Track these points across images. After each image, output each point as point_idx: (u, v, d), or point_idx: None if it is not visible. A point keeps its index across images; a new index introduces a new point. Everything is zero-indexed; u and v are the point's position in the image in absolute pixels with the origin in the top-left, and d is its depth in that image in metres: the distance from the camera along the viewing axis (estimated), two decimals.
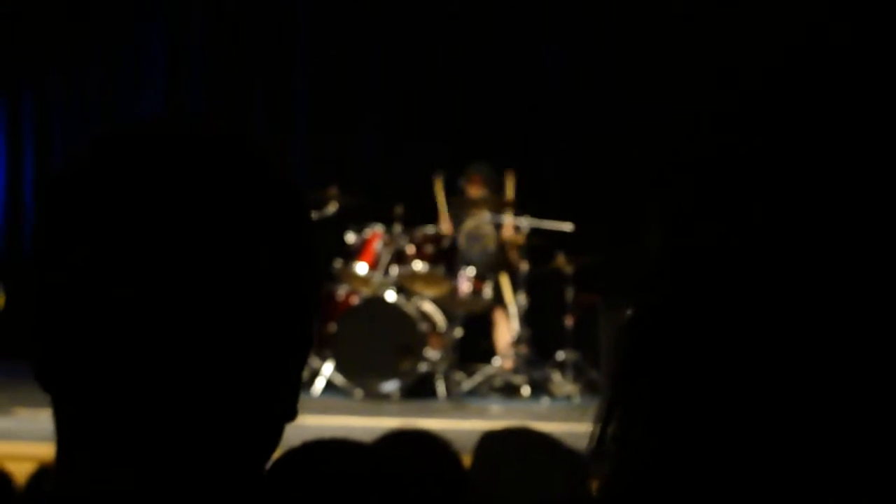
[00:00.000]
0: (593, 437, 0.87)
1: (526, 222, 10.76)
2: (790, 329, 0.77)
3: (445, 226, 10.94)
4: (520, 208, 10.81)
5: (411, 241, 10.47)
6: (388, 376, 10.11)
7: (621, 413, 0.85)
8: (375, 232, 10.56)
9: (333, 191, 10.78)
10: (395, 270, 10.45)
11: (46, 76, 13.37)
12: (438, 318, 10.44)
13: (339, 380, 10.21)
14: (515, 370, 10.57)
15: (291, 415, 1.21)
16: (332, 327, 10.25)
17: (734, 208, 0.81)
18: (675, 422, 0.81)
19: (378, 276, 10.43)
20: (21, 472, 4.06)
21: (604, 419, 0.86)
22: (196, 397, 1.13)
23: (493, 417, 9.33)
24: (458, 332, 10.63)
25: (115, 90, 13.36)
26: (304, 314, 1.20)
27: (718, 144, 0.83)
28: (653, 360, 0.83)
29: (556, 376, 10.52)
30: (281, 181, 1.19)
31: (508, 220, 10.80)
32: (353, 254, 10.53)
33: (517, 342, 10.61)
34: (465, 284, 10.51)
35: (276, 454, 1.24)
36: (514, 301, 10.71)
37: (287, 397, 1.20)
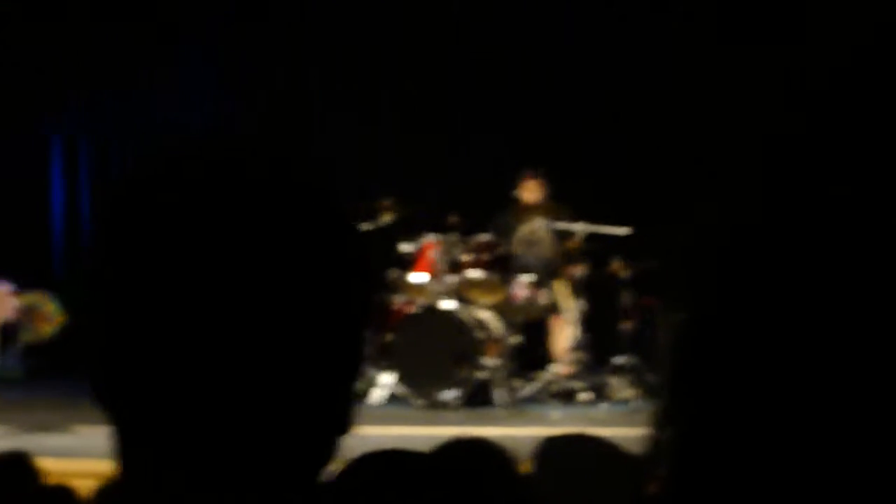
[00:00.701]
0: (649, 441, 0.87)
1: (582, 227, 10.72)
2: (851, 338, 0.76)
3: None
4: (576, 213, 10.77)
5: (466, 249, 10.46)
6: (446, 385, 10.09)
7: (677, 416, 0.85)
8: (431, 241, 10.55)
9: (388, 201, 10.79)
10: (450, 279, 10.44)
11: (99, 92, 13.48)
12: (495, 325, 10.43)
13: (399, 389, 10.21)
14: (573, 376, 10.54)
15: (345, 428, 1.21)
16: (390, 337, 10.25)
17: (794, 215, 0.80)
18: (729, 425, 0.80)
19: (434, 285, 10.43)
20: (84, 488, 4.08)
21: (659, 423, 0.86)
22: (250, 411, 1.14)
23: (552, 424, 9.30)
24: (516, 339, 10.61)
25: (168, 103, 13.44)
26: (354, 328, 1.20)
27: (780, 154, 0.83)
28: (708, 365, 0.83)
29: (615, 381, 10.48)
30: (329, 198, 1.19)
31: (563, 225, 10.76)
32: (408, 263, 10.54)
33: (575, 348, 10.58)
34: (521, 291, 10.49)
35: (337, 466, 1.24)
36: (571, 307, 10.68)
37: (340, 411, 1.20)
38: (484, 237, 10.57)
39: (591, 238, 10.76)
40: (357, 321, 1.20)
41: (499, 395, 10.15)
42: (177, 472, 1.15)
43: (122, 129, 13.49)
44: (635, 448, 3.28)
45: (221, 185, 1.14)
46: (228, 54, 13.45)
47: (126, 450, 1.18)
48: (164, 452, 1.15)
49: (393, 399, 10.21)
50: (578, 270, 10.71)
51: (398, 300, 10.58)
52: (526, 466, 3.20)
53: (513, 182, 11.02)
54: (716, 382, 0.82)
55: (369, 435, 7.60)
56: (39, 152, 13.54)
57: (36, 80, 13.22)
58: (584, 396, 10.38)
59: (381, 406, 10.10)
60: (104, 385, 1.16)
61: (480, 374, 10.14)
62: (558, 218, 10.76)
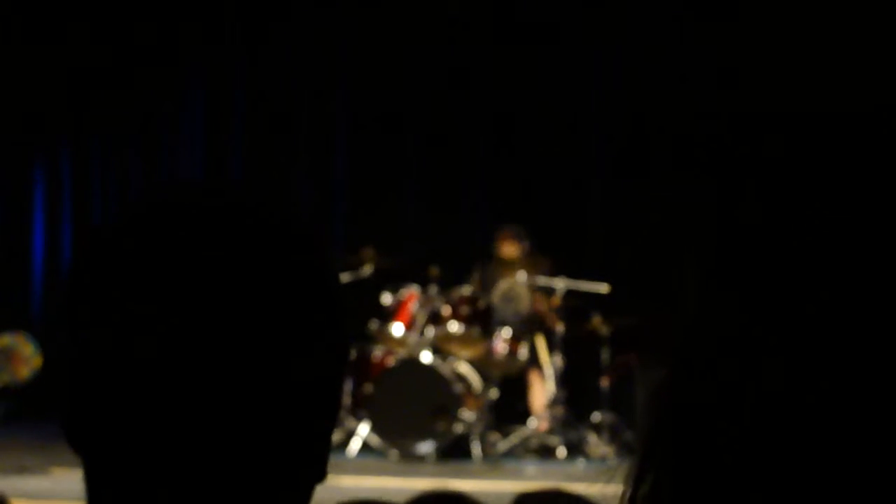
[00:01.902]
0: (624, 499, 0.87)
1: (561, 283, 10.75)
2: (830, 406, 0.76)
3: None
4: (555, 269, 10.79)
5: (447, 301, 10.46)
6: (423, 437, 10.08)
7: (653, 474, 0.85)
8: (411, 293, 10.56)
9: (369, 252, 10.81)
10: (430, 331, 10.44)
11: (85, 137, 13.48)
12: (474, 379, 10.42)
13: (375, 441, 10.19)
14: (551, 431, 10.54)
15: (321, 476, 1.21)
16: (368, 388, 10.23)
17: (772, 272, 0.81)
18: (706, 486, 0.80)
19: (414, 337, 10.43)
20: None
21: (635, 480, 0.86)
22: (225, 459, 1.13)
23: (529, 479, 9.29)
24: (494, 394, 10.61)
25: (153, 151, 13.48)
26: (333, 376, 1.20)
27: (754, 208, 0.83)
28: (685, 424, 0.83)
29: (592, 438, 10.47)
30: (310, 244, 1.19)
31: (543, 281, 10.78)
32: (388, 315, 10.53)
33: (553, 403, 10.58)
34: (500, 345, 10.49)
35: None
36: (549, 362, 10.69)
37: (317, 458, 1.20)
38: (464, 290, 10.58)
39: (571, 294, 10.78)
40: (336, 368, 1.20)
41: (476, 449, 10.14)
42: None
43: (106, 172, 13.49)
44: None
45: (203, 231, 1.14)
46: (217, 106, 13.47)
47: (97, 494, 1.18)
48: (136, 497, 1.15)
49: (369, 450, 10.19)
50: (558, 326, 10.71)
51: (378, 351, 10.57)
52: None
53: (492, 236, 11.04)
54: (693, 443, 0.82)
55: (344, 486, 7.58)
56: (22, 193, 13.52)
57: (21, 120, 13.22)
58: (561, 452, 10.37)
59: (356, 457, 10.07)
60: (76, 428, 1.16)
61: (458, 428, 10.12)
62: (538, 273, 10.78)
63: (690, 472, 0.81)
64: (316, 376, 1.18)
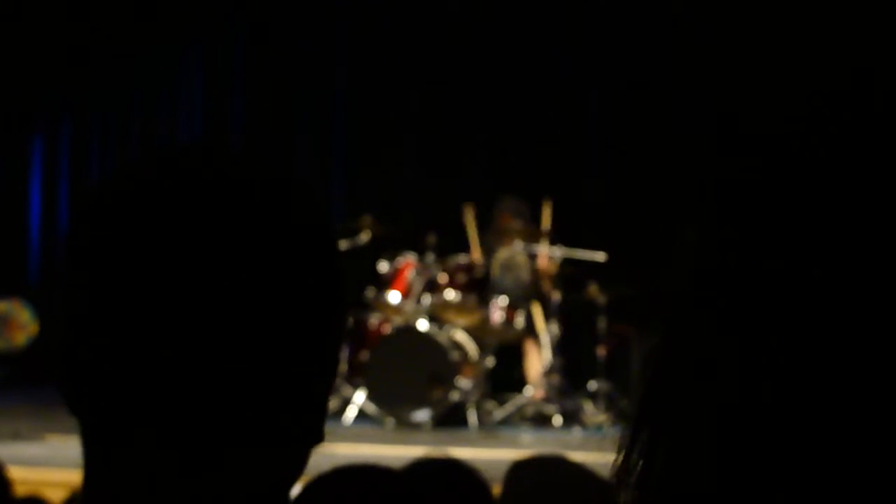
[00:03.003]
0: (616, 466, 0.87)
1: (559, 252, 10.75)
2: (826, 366, 0.76)
3: (476, 254, 10.95)
4: (553, 238, 10.80)
5: (443, 269, 10.46)
6: (419, 405, 10.09)
7: (645, 441, 0.85)
8: (408, 261, 10.56)
9: (367, 219, 10.80)
10: (427, 299, 10.44)
11: (84, 102, 13.46)
12: (470, 347, 10.42)
13: (371, 408, 10.20)
14: (547, 400, 10.55)
15: (318, 438, 1.21)
16: (365, 356, 10.24)
17: (765, 238, 0.81)
18: (698, 451, 0.81)
19: (410, 305, 10.43)
20: (56, 498, 4.07)
21: (628, 447, 0.86)
22: (222, 421, 1.14)
23: (525, 447, 9.29)
24: (490, 362, 10.62)
25: (152, 115, 13.46)
26: (330, 340, 1.20)
27: (752, 174, 0.83)
28: (678, 390, 0.83)
29: (588, 406, 10.49)
30: (310, 207, 1.19)
31: (542, 249, 10.79)
32: (385, 282, 10.53)
33: (549, 372, 10.59)
34: (497, 314, 10.49)
35: (307, 479, 1.24)
36: (546, 331, 10.69)
37: (314, 421, 1.20)
38: (461, 258, 10.58)
39: (568, 263, 10.78)
40: (333, 332, 1.20)
41: (472, 417, 10.15)
42: (146, 482, 1.15)
43: (104, 137, 13.47)
44: (607, 473, 3.27)
45: (200, 193, 1.14)
46: (216, 71, 13.45)
47: (95, 459, 1.18)
48: (134, 462, 1.15)
49: (365, 418, 10.20)
50: (554, 295, 10.72)
51: (374, 319, 10.58)
52: (498, 489, 3.20)
53: (491, 204, 11.04)
54: (687, 408, 0.82)
55: (340, 453, 7.59)
56: (19, 159, 13.50)
57: (20, 85, 13.18)
58: (557, 421, 10.38)
59: (352, 425, 10.09)
60: (74, 391, 1.16)
61: (454, 396, 10.13)
62: (536, 242, 10.78)
63: (684, 432, 0.81)
64: (314, 338, 1.18)
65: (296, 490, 1.23)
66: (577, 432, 10.15)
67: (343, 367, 10.11)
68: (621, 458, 0.86)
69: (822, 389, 0.75)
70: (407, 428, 9.98)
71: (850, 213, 0.77)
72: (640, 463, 0.85)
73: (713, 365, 0.80)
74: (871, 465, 0.74)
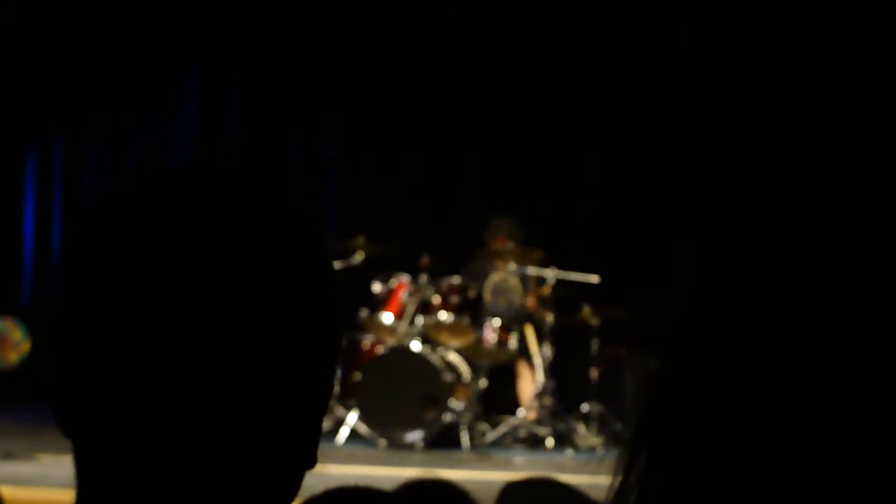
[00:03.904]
0: (613, 489, 0.87)
1: (552, 274, 10.75)
2: (818, 395, 0.76)
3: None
4: (546, 260, 10.80)
5: (437, 291, 10.47)
6: (412, 426, 10.08)
7: (642, 465, 0.85)
8: (401, 282, 10.56)
9: (360, 240, 10.80)
10: (420, 320, 10.45)
11: (78, 120, 13.45)
12: (463, 368, 10.42)
13: (364, 429, 10.19)
14: (539, 422, 10.54)
15: (311, 462, 1.21)
16: (357, 376, 10.23)
17: (758, 267, 0.81)
18: (697, 476, 0.81)
19: (403, 326, 10.43)
20: None
21: (625, 470, 0.86)
22: (215, 443, 1.13)
23: (517, 469, 9.29)
24: (483, 383, 10.61)
25: (146, 136, 13.46)
26: (324, 362, 1.20)
27: (746, 201, 0.83)
28: (676, 415, 0.83)
29: (581, 428, 10.48)
30: (304, 230, 1.19)
31: (534, 272, 10.79)
32: (379, 303, 10.53)
33: (542, 394, 10.59)
34: (490, 335, 10.50)
35: (298, 501, 1.24)
36: (538, 352, 10.69)
37: (307, 444, 1.20)
38: (455, 280, 10.58)
39: (561, 285, 10.79)
40: (327, 354, 1.20)
41: (464, 438, 10.14)
42: (135, 502, 1.14)
43: (98, 156, 13.46)
44: (600, 496, 3.27)
45: (195, 214, 1.14)
46: (211, 90, 13.45)
47: (87, 479, 1.17)
48: (127, 484, 1.14)
49: (357, 439, 10.19)
50: (547, 317, 10.72)
51: (367, 340, 10.58)
52: None
53: (484, 226, 11.04)
54: (684, 433, 0.82)
55: (332, 474, 7.58)
56: (12, 177, 13.48)
57: (13, 102, 13.18)
58: (549, 443, 10.38)
59: (344, 445, 10.08)
60: (67, 411, 1.16)
61: (447, 417, 10.13)
62: (529, 263, 10.78)
63: (681, 456, 0.81)
64: (308, 362, 1.18)
65: None
66: (569, 454, 10.14)
67: (336, 387, 10.09)
68: (618, 481, 0.86)
69: (819, 420, 0.75)
70: (399, 449, 9.97)
71: (842, 245, 0.77)
72: (637, 486, 0.85)
73: (712, 390, 0.80)
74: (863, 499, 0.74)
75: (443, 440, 10.15)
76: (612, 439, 10.31)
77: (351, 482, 2.08)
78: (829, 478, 0.76)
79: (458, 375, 10.31)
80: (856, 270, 0.76)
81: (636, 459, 0.85)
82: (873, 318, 0.76)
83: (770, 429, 0.77)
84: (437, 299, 10.43)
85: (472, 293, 10.52)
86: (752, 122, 0.86)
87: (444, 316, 10.37)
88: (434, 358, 10.19)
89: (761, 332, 0.79)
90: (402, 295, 10.51)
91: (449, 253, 11.01)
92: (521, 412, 10.64)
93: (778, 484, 0.77)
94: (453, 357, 10.43)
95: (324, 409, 1.22)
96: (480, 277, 10.73)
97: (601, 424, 10.44)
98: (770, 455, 0.77)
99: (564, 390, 10.77)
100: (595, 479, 7.08)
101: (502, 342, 10.54)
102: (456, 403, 10.16)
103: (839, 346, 0.76)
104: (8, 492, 4.53)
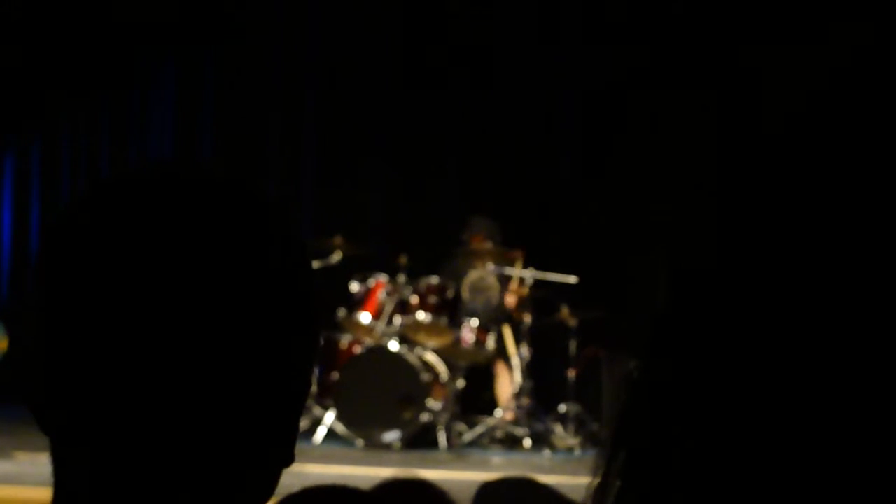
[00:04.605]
0: (590, 489, 0.87)
1: (530, 274, 10.76)
2: (806, 410, 0.77)
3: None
4: (524, 260, 10.80)
5: (415, 291, 10.47)
6: (389, 426, 10.09)
7: (620, 465, 0.85)
8: (379, 281, 10.56)
9: (338, 240, 10.79)
10: (398, 320, 10.45)
11: (54, 120, 13.42)
12: (441, 368, 10.42)
13: (341, 429, 10.19)
14: (517, 422, 10.55)
15: (288, 460, 1.21)
16: (335, 376, 10.23)
17: (750, 268, 0.81)
18: (674, 477, 0.81)
19: (381, 326, 10.43)
20: None
21: (603, 472, 0.86)
22: (192, 442, 1.13)
23: (494, 469, 9.29)
24: (461, 383, 10.62)
25: (123, 136, 13.43)
26: (302, 361, 1.20)
27: (735, 203, 0.83)
28: (654, 414, 0.83)
29: (558, 429, 10.49)
30: (283, 228, 1.19)
31: (512, 272, 10.80)
32: (356, 303, 10.53)
33: (519, 394, 10.59)
34: (467, 335, 10.50)
35: (275, 500, 1.24)
36: (516, 353, 10.70)
37: (284, 442, 1.20)
38: (433, 280, 10.59)
39: (539, 285, 10.80)
40: (305, 352, 1.20)
41: (442, 438, 10.15)
42: (115, 501, 1.14)
43: (75, 155, 13.44)
44: (577, 496, 3.27)
45: (172, 212, 1.14)
46: (187, 91, 13.43)
47: (65, 478, 1.17)
48: (104, 483, 1.14)
49: (334, 438, 10.19)
50: (525, 317, 10.72)
51: (345, 340, 10.57)
52: None
53: (463, 226, 11.04)
54: (665, 434, 0.82)
55: (309, 473, 7.58)
56: None
57: None
58: (527, 443, 10.38)
59: (321, 445, 10.07)
60: (45, 411, 1.16)
61: (424, 417, 10.13)
62: (507, 264, 10.79)
63: (659, 456, 0.81)
64: (285, 360, 1.18)
65: None
66: (546, 455, 10.15)
67: (313, 387, 10.08)
68: (597, 479, 0.86)
69: (800, 418, 0.76)
70: (376, 448, 9.97)
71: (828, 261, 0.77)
72: (617, 485, 0.85)
73: (691, 387, 0.80)
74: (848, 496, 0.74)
75: (420, 440, 10.16)
76: (589, 440, 10.32)
77: (328, 482, 2.09)
78: (811, 480, 0.76)
79: (436, 375, 10.32)
80: (836, 275, 0.77)
81: (616, 458, 0.85)
82: (853, 324, 0.76)
83: (748, 429, 0.77)
84: (414, 299, 10.43)
85: (450, 293, 10.52)
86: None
87: (421, 316, 10.37)
88: (412, 358, 10.19)
89: (739, 332, 0.79)
90: (380, 295, 10.51)
91: (427, 253, 11.02)
92: (499, 412, 10.65)
93: (755, 483, 0.77)
94: (431, 357, 10.43)
95: (301, 408, 1.22)
96: (458, 277, 10.73)
97: (578, 425, 10.45)
98: (748, 455, 0.77)
99: (542, 391, 10.77)
100: (572, 480, 7.09)
101: (480, 342, 10.54)
102: (433, 403, 10.16)
103: (819, 349, 0.76)
104: None
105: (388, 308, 10.47)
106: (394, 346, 10.29)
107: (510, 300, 10.85)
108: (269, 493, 1.21)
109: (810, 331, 0.76)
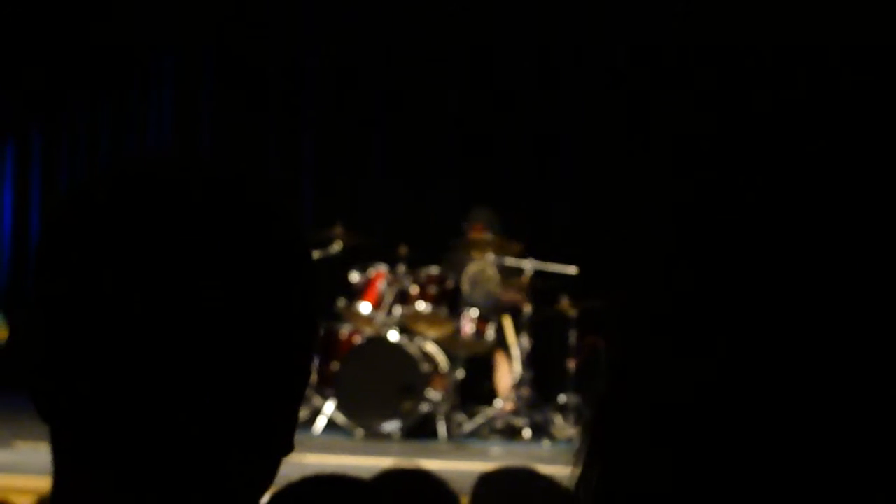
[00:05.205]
0: (574, 477, 0.87)
1: (530, 265, 10.75)
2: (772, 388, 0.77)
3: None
4: (524, 251, 10.79)
5: (415, 281, 10.46)
6: (389, 416, 10.09)
7: (605, 453, 0.85)
8: (379, 272, 10.55)
9: (338, 230, 10.78)
10: (398, 310, 10.44)
11: (55, 111, 13.41)
12: (441, 358, 10.42)
13: (341, 419, 10.19)
14: (517, 412, 10.55)
15: (288, 449, 1.21)
16: (335, 366, 10.23)
17: (719, 261, 0.81)
18: (656, 464, 0.81)
19: (381, 316, 10.43)
20: None
21: (586, 461, 0.86)
22: (192, 430, 1.14)
23: (494, 459, 9.28)
24: (460, 374, 10.61)
25: (123, 127, 13.42)
26: (302, 350, 1.21)
27: (707, 195, 0.83)
28: (613, 405, 0.83)
29: (558, 419, 10.49)
30: (283, 219, 1.20)
31: (512, 262, 10.79)
32: (356, 293, 10.52)
33: (519, 384, 10.59)
34: (467, 326, 10.50)
35: (276, 489, 1.25)
36: (516, 343, 10.70)
37: (284, 431, 1.21)
38: (433, 270, 10.58)
39: (540, 276, 10.79)
40: (305, 342, 1.20)
41: (441, 428, 10.15)
42: (115, 492, 1.15)
43: (75, 147, 13.43)
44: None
45: (172, 203, 1.14)
46: (186, 81, 13.42)
47: (65, 467, 1.18)
48: (103, 469, 1.15)
49: (334, 428, 10.19)
50: (525, 307, 10.72)
51: (345, 330, 10.57)
52: (466, 501, 3.20)
53: (463, 216, 11.04)
54: (645, 421, 0.82)
55: (309, 463, 7.58)
56: None
57: None
58: (526, 433, 10.38)
59: (321, 435, 10.07)
60: (46, 400, 1.16)
61: (424, 408, 10.13)
62: (508, 254, 10.78)
63: (641, 450, 0.82)
64: (285, 350, 1.18)
65: (264, 500, 1.24)
66: (546, 445, 10.16)
67: (313, 377, 10.09)
68: (580, 469, 0.86)
69: (778, 420, 0.76)
70: (376, 439, 9.97)
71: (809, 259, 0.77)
72: (598, 474, 0.85)
73: (669, 384, 0.80)
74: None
75: (420, 430, 10.16)
76: None
77: (328, 471, 2.09)
78: (785, 479, 0.76)
79: (436, 366, 10.32)
80: (810, 280, 0.77)
81: (597, 451, 0.86)
82: (853, 323, 0.76)
83: (724, 424, 0.77)
84: (414, 289, 10.43)
85: (449, 283, 10.51)
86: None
87: (421, 306, 10.37)
88: (411, 348, 10.19)
89: (717, 333, 0.79)
90: (380, 285, 10.50)
91: (427, 243, 11.01)
92: (499, 403, 10.64)
93: (734, 477, 0.77)
94: (431, 347, 10.43)
95: (301, 397, 1.22)
96: (458, 268, 10.72)
97: (578, 415, 10.45)
98: (725, 447, 0.77)
99: (542, 381, 10.77)
100: (571, 470, 7.09)
101: (480, 333, 10.54)
102: (433, 394, 10.16)
103: (816, 348, 0.76)
104: None
105: (388, 298, 10.47)
106: (394, 336, 10.29)
107: (510, 291, 10.82)
108: (269, 482, 1.21)
109: (810, 331, 0.76)
